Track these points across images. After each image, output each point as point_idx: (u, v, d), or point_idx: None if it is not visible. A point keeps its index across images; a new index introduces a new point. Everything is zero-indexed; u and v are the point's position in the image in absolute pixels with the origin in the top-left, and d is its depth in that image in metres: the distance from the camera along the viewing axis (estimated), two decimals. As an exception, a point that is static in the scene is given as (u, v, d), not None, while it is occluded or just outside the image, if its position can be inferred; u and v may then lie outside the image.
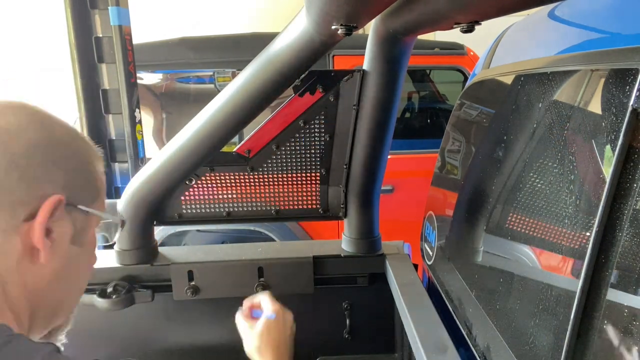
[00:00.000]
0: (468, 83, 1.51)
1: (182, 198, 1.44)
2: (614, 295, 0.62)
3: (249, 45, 3.02)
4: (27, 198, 0.55)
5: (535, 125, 0.93)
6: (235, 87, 1.21)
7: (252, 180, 1.43)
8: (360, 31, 1.01)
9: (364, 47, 1.22)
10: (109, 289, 1.39)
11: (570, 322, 0.66)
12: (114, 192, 2.25)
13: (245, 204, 1.46)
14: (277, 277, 1.44)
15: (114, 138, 2.17)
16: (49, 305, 0.63)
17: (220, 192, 1.44)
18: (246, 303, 1.10)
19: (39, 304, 0.60)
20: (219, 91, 1.25)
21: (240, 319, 1.07)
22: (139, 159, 2.16)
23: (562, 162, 0.80)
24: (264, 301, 1.07)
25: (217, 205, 1.46)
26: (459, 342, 1.05)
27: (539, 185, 0.89)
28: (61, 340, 0.70)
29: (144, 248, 1.45)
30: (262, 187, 1.44)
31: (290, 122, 1.34)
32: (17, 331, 0.56)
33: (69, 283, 0.64)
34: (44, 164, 0.57)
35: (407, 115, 3.95)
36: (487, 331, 0.96)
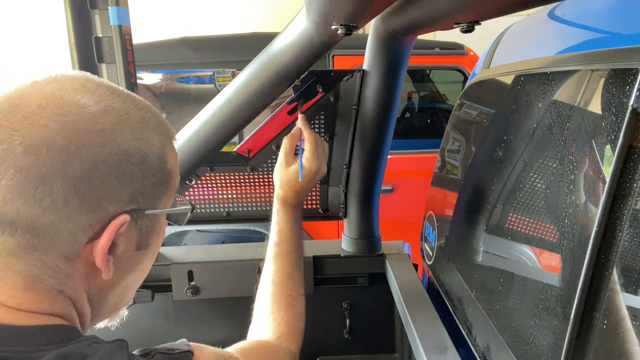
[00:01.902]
0: (468, 83, 1.51)
1: (182, 198, 1.44)
2: (614, 295, 0.62)
3: (249, 45, 3.02)
4: (88, 223, 0.50)
5: (535, 125, 0.93)
6: (235, 87, 1.21)
7: (252, 180, 1.43)
8: (360, 31, 1.02)
9: (364, 47, 1.22)
10: (109, 289, 1.39)
11: (570, 322, 0.66)
12: (114, 192, 2.24)
13: (245, 204, 1.46)
14: (277, 277, 1.44)
15: (114, 138, 2.17)
16: (115, 300, 0.60)
17: (220, 192, 1.44)
18: (291, 141, 1.09)
19: (104, 302, 0.59)
20: (219, 91, 1.25)
21: (280, 168, 1.07)
22: (139, 159, 2.16)
23: (562, 162, 0.80)
24: (304, 135, 1.08)
25: (217, 205, 1.46)
26: (459, 342, 1.05)
27: (539, 185, 0.89)
28: (124, 314, 0.67)
29: (144, 248, 1.45)
30: (262, 187, 1.44)
31: (290, 122, 1.34)
32: (82, 325, 0.55)
33: (136, 280, 0.62)
34: (108, 183, 0.50)
35: (407, 115, 3.95)
36: (487, 331, 0.96)
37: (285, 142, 1.07)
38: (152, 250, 0.61)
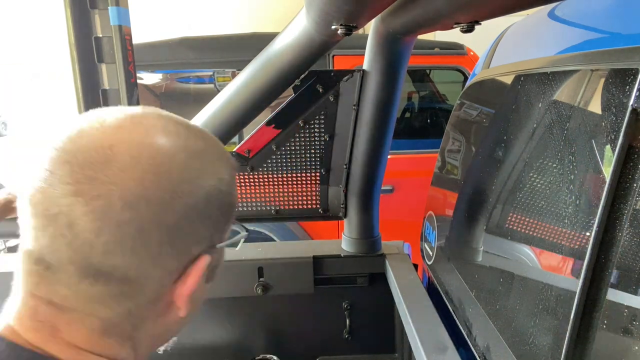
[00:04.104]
0: (468, 83, 1.51)
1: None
2: (614, 295, 0.62)
3: (249, 45, 3.02)
4: (175, 267, 0.50)
5: (535, 125, 0.93)
6: (235, 87, 1.21)
7: (252, 180, 1.43)
8: (360, 31, 1.02)
9: (364, 47, 1.22)
10: (109, 289, 1.39)
11: (570, 322, 0.66)
12: (114, 192, 2.24)
13: (245, 204, 1.46)
14: (277, 277, 1.44)
15: (114, 138, 2.17)
16: (173, 331, 0.60)
17: (220, 192, 1.44)
18: None
19: (161, 338, 0.58)
20: (218, 91, 1.25)
21: None
22: (139, 159, 2.16)
23: (562, 162, 0.80)
24: None
25: (217, 205, 1.46)
26: (459, 342, 1.05)
27: (539, 185, 0.89)
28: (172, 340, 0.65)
29: (144, 248, 1.45)
30: (262, 187, 1.44)
31: (290, 122, 1.34)
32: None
33: (194, 312, 0.59)
34: (194, 227, 0.50)
35: (407, 115, 3.95)
36: (487, 331, 0.96)
37: None
38: (215, 278, 0.60)
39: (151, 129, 0.50)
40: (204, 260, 0.51)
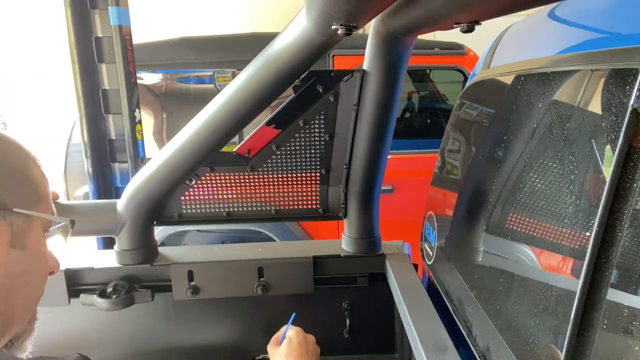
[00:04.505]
0: (468, 83, 1.51)
1: (182, 198, 1.44)
2: (614, 295, 0.62)
3: (249, 45, 3.02)
4: None
5: (535, 125, 0.93)
6: (235, 87, 1.21)
7: (252, 180, 1.43)
8: (360, 31, 1.01)
9: (364, 47, 1.22)
10: (109, 289, 1.39)
11: (570, 322, 0.66)
12: (114, 192, 2.25)
13: (245, 204, 1.46)
14: (277, 277, 1.44)
15: (114, 138, 2.17)
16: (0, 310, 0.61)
17: (220, 192, 1.44)
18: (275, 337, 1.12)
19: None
20: (219, 91, 1.25)
21: (269, 347, 1.10)
22: (138, 159, 2.16)
23: (562, 162, 0.80)
24: (288, 328, 1.10)
25: (217, 205, 1.46)
26: (459, 342, 1.05)
27: (539, 185, 0.89)
28: (27, 349, 0.67)
29: (144, 248, 1.45)
30: (262, 187, 1.44)
31: (290, 122, 1.34)
32: None
33: (16, 289, 0.62)
34: None
35: (407, 115, 3.95)
36: (487, 331, 0.96)
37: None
38: (32, 255, 0.64)
39: None
40: None
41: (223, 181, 1.43)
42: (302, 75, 1.25)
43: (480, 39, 1.64)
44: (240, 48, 3.07)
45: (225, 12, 6.08)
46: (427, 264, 1.53)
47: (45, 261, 0.68)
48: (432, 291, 1.36)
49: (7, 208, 0.60)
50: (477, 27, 0.81)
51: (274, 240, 2.87)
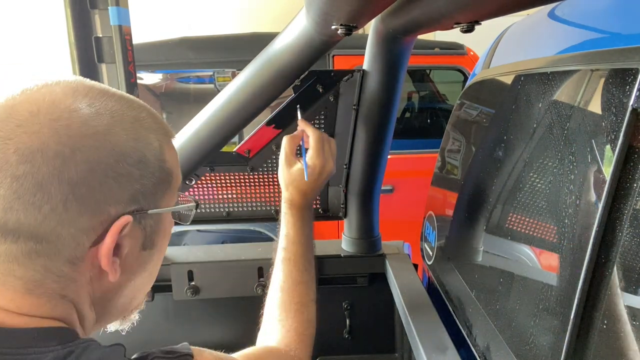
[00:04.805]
0: (468, 83, 1.51)
1: (185, 196, 1.44)
2: (614, 295, 0.62)
3: (249, 45, 3.02)
4: (90, 226, 0.49)
5: (535, 125, 0.93)
6: (235, 87, 1.21)
7: (252, 180, 1.43)
8: (360, 31, 1.02)
9: (364, 47, 1.22)
10: (109, 289, 1.39)
11: (570, 322, 0.66)
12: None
13: (245, 204, 1.46)
14: (277, 277, 1.44)
15: (114, 138, 2.17)
16: (123, 302, 0.61)
17: (220, 192, 1.44)
18: (291, 141, 1.06)
19: (110, 305, 0.59)
20: (219, 91, 1.25)
21: (283, 169, 1.04)
22: (138, 159, 2.16)
23: (562, 162, 0.80)
24: (307, 134, 1.05)
25: (217, 205, 1.46)
26: (459, 342, 1.05)
27: (539, 185, 0.89)
28: (134, 318, 0.68)
29: (144, 248, 1.45)
30: (262, 187, 1.44)
31: (290, 122, 1.34)
32: (83, 328, 0.55)
33: (145, 282, 0.62)
34: (106, 185, 0.49)
35: (407, 115, 3.95)
36: (487, 331, 0.96)
37: (285, 142, 1.05)
38: (159, 250, 0.61)
39: (56, 88, 0.51)
40: (123, 220, 0.51)
41: (223, 181, 1.43)
42: (302, 75, 1.25)
43: (480, 39, 1.64)
44: (240, 48, 3.07)
45: (225, 12, 6.08)
46: (427, 264, 1.53)
47: (165, 251, 0.64)
48: (432, 291, 1.36)
49: (143, 210, 0.54)
50: (477, 27, 0.81)
51: (274, 240, 2.86)
